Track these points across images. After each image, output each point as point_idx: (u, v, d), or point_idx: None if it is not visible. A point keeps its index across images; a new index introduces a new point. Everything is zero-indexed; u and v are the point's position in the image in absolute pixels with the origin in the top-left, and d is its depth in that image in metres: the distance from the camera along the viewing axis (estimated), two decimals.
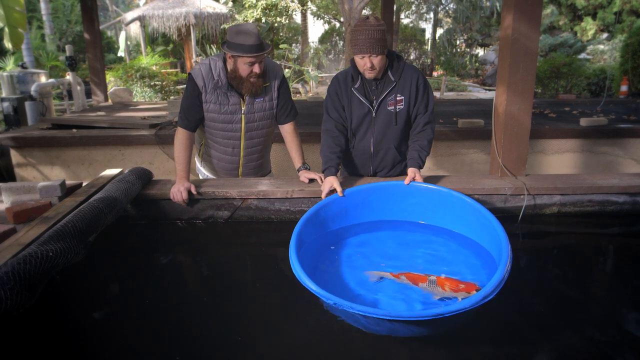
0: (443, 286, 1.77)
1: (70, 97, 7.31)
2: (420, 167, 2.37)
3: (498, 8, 16.63)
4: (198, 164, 2.83)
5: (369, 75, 2.32)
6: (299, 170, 2.61)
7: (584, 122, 4.60)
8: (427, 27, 20.59)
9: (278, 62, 12.17)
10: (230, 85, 2.43)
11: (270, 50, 2.48)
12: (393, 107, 2.41)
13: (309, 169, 2.61)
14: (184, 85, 2.47)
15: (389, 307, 1.70)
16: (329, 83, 2.50)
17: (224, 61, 2.43)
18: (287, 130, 2.64)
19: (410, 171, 2.33)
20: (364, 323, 1.61)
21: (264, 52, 2.35)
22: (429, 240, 2.20)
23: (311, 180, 2.52)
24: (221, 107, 2.45)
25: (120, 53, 14.38)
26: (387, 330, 1.60)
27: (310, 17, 17.72)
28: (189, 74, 2.47)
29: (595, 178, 2.63)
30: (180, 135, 2.47)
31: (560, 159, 4.53)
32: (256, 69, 2.35)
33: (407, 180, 2.30)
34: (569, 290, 1.91)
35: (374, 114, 2.43)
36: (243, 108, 2.47)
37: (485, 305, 1.57)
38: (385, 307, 1.70)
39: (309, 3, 15.97)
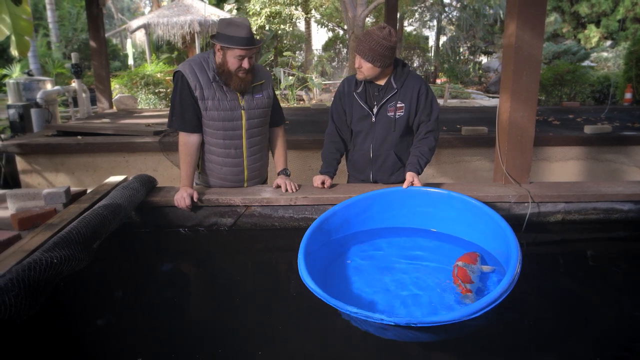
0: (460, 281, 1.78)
1: (76, 104, 7.36)
2: (418, 172, 2.38)
3: (501, 16, 16.68)
4: (196, 180, 2.65)
5: (357, 75, 2.43)
6: (278, 174, 2.61)
7: (588, 129, 4.59)
8: (431, 34, 20.71)
9: (282, 69, 12.24)
10: None
11: (259, 47, 2.43)
12: (393, 114, 2.43)
13: (289, 176, 2.62)
14: None
15: (397, 311, 1.69)
16: (335, 89, 2.53)
17: (214, 55, 2.36)
18: (277, 133, 2.67)
19: (409, 175, 2.33)
20: (366, 325, 1.61)
21: (255, 47, 2.29)
22: (432, 247, 2.19)
23: (278, 186, 2.54)
24: (220, 103, 2.37)
25: (130, 61, 14.48)
26: (393, 335, 1.59)
27: (314, 25, 17.85)
28: (177, 72, 2.34)
29: (599, 186, 2.62)
30: (182, 139, 2.41)
31: (565, 167, 4.52)
32: (245, 64, 2.28)
33: (405, 185, 2.30)
34: (574, 298, 1.90)
35: (373, 119, 2.45)
36: (242, 104, 2.41)
37: (490, 313, 1.56)
38: (394, 311, 1.69)
39: (313, 11, 16.08)
